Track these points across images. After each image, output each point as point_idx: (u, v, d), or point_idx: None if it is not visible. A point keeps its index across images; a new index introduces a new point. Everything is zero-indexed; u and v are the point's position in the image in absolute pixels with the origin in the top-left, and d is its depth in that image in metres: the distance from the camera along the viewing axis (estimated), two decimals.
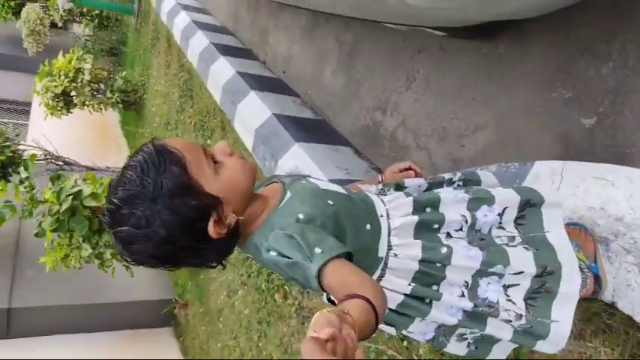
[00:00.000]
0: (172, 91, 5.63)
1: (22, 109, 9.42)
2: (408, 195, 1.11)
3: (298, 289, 2.83)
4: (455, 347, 1.17)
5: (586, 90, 1.60)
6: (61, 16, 9.12)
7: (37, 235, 3.26)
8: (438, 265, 1.04)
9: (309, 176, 1.14)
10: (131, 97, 7.03)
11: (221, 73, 3.91)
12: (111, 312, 4.90)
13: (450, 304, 1.05)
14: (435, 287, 1.05)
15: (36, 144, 5.29)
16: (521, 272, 1.06)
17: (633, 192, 1.26)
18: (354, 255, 0.87)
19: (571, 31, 1.64)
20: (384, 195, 1.14)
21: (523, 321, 1.05)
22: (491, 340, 1.16)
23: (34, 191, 3.27)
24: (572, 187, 1.35)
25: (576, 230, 1.34)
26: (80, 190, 3.21)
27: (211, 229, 0.89)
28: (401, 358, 2.06)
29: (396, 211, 1.07)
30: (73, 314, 4.78)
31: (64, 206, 3.13)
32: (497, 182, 1.28)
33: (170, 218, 0.86)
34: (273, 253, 0.90)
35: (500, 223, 1.12)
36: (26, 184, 3.29)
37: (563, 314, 1.06)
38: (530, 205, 1.12)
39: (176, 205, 0.86)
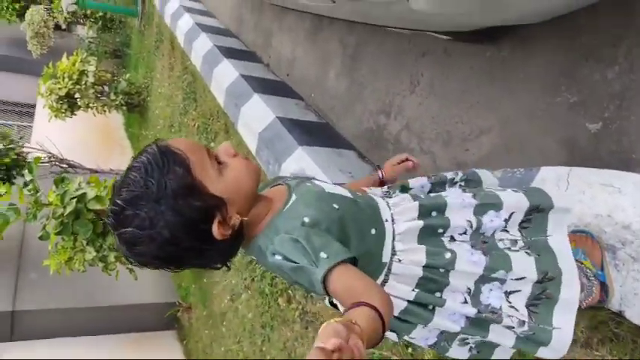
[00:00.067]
0: (176, 94, 5.63)
1: (27, 111, 9.45)
2: (414, 198, 1.10)
3: (302, 293, 2.82)
4: (457, 352, 1.16)
5: (591, 94, 1.59)
6: (65, 18, 9.12)
7: (41, 238, 3.27)
8: (442, 270, 1.04)
9: (314, 178, 1.14)
10: (135, 100, 7.04)
11: (225, 75, 3.90)
12: (114, 315, 4.91)
13: (453, 310, 1.04)
14: (438, 294, 1.05)
15: (40, 146, 5.30)
16: (523, 278, 1.06)
17: None
18: (359, 260, 0.86)
19: (576, 35, 1.62)
20: (390, 197, 1.13)
21: (525, 327, 1.04)
22: (493, 344, 1.15)
23: (38, 194, 3.28)
24: (578, 194, 1.34)
25: (583, 238, 1.33)
26: (84, 193, 3.22)
27: (215, 231, 0.89)
28: None
29: (401, 216, 1.06)
30: (77, 317, 4.78)
31: (68, 209, 3.14)
32: (497, 181, 1.27)
33: (174, 219, 0.86)
34: (278, 257, 0.89)
35: (505, 227, 1.11)
36: (30, 186, 3.31)
37: (564, 321, 1.06)
38: (538, 210, 1.11)
39: (180, 206, 0.86)
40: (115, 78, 6.97)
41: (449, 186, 1.25)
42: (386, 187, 1.23)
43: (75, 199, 3.17)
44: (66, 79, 6.08)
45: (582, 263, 1.30)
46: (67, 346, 4.57)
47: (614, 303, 1.31)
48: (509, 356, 1.20)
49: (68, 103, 6.24)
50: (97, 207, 3.19)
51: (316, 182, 1.09)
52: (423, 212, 1.07)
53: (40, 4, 9.66)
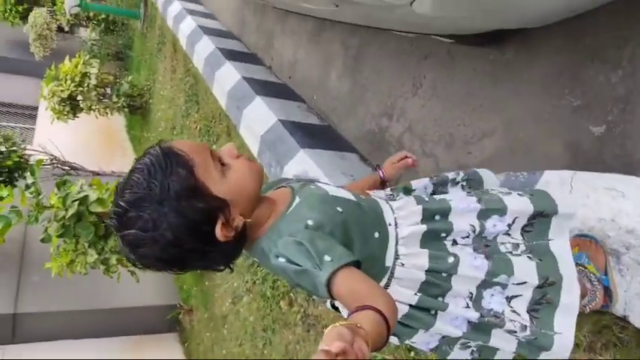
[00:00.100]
0: (178, 96, 5.63)
1: (29, 113, 9.47)
2: (418, 202, 1.10)
3: (304, 296, 2.81)
4: (458, 355, 1.16)
5: (595, 97, 1.58)
6: (68, 20, 9.16)
7: (42, 240, 3.28)
8: (444, 274, 1.03)
9: (317, 181, 1.14)
10: (137, 102, 7.04)
11: (227, 78, 3.90)
12: (116, 317, 4.91)
13: (455, 315, 1.04)
14: (440, 298, 1.04)
15: (42, 149, 5.31)
16: (524, 283, 1.05)
17: None
18: (362, 263, 0.86)
19: (579, 37, 1.62)
20: (394, 200, 1.12)
21: (528, 332, 1.04)
22: (494, 348, 1.15)
23: (40, 197, 3.28)
24: (582, 198, 1.33)
25: (587, 242, 1.33)
26: (86, 196, 3.22)
27: (219, 232, 0.89)
28: None
29: (404, 220, 1.06)
30: (79, 320, 4.78)
31: (70, 212, 3.14)
32: (498, 181, 1.27)
33: (177, 221, 0.85)
34: (281, 260, 0.89)
35: (508, 231, 1.11)
36: (32, 189, 3.31)
37: (565, 326, 1.05)
38: (542, 215, 1.11)
39: (183, 207, 0.86)
40: (118, 80, 6.98)
41: (451, 186, 1.24)
42: (389, 189, 1.22)
43: (77, 202, 3.17)
44: (68, 82, 6.09)
45: (586, 268, 1.29)
46: (68, 348, 4.57)
47: (618, 308, 1.30)
48: (512, 357, 1.19)
49: (70, 106, 6.25)
50: (99, 209, 3.19)
51: (320, 185, 1.09)
52: (427, 216, 1.07)
53: (43, 6, 9.69)
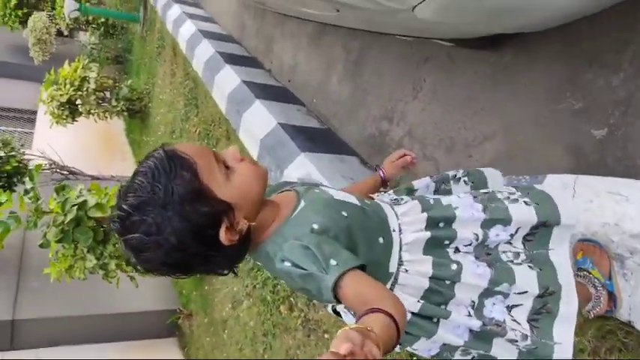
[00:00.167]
0: (177, 100, 5.63)
1: (28, 117, 9.47)
2: (423, 207, 1.09)
3: (304, 300, 2.80)
4: None
5: (596, 100, 1.58)
6: (67, 24, 9.15)
7: (41, 246, 3.26)
8: (448, 282, 1.03)
9: (321, 184, 1.13)
10: (136, 106, 7.04)
11: (226, 81, 3.90)
12: (115, 323, 4.89)
13: (457, 323, 1.03)
14: (443, 306, 1.04)
15: (41, 153, 5.30)
16: (525, 292, 1.05)
17: None
18: (367, 267, 0.86)
19: (579, 40, 1.61)
20: (398, 205, 1.12)
21: (528, 341, 1.03)
22: (495, 358, 1.14)
23: (39, 202, 3.27)
24: (585, 203, 1.32)
25: (590, 247, 1.32)
26: (85, 201, 3.21)
27: (223, 236, 0.88)
28: None
29: (408, 226, 1.06)
30: (78, 325, 4.76)
31: (69, 217, 3.13)
32: (504, 180, 1.26)
33: (181, 225, 0.85)
34: (287, 264, 0.88)
35: (510, 240, 1.11)
36: (31, 194, 3.29)
37: (564, 335, 1.05)
38: (544, 225, 1.10)
39: (187, 211, 0.85)
40: (117, 84, 6.98)
41: (453, 182, 1.25)
42: (392, 192, 1.22)
43: (76, 207, 3.16)
44: (67, 86, 6.09)
45: (590, 273, 1.28)
46: (68, 354, 4.55)
47: (622, 313, 1.29)
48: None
49: (69, 110, 6.25)
50: (98, 214, 3.17)
51: (324, 189, 1.09)
52: (431, 223, 1.06)
53: (43, 10, 9.69)
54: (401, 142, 2.46)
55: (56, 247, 3.26)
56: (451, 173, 1.25)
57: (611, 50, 1.52)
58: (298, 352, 2.84)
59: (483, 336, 1.05)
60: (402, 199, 1.15)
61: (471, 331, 1.05)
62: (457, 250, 1.07)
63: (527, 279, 1.05)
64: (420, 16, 1.36)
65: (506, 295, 1.05)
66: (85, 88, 6.18)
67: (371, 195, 1.22)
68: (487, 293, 1.05)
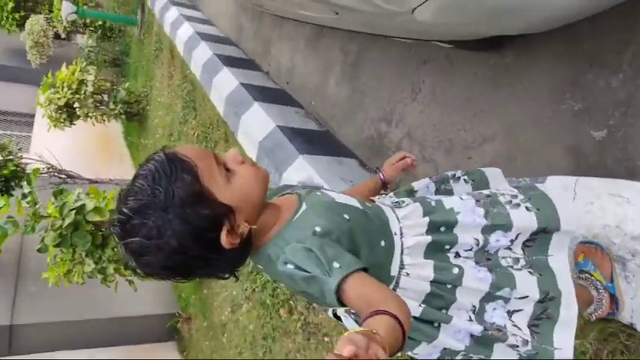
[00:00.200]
0: (175, 103, 5.62)
1: (26, 121, 9.45)
2: (424, 209, 1.08)
3: (304, 304, 2.78)
4: None
5: (596, 102, 1.57)
6: (65, 27, 9.14)
7: (39, 250, 3.25)
8: (449, 286, 1.02)
9: (322, 188, 1.12)
10: (134, 109, 7.03)
11: (224, 84, 3.89)
12: (114, 327, 4.87)
13: (458, 328, 1.03)
14: (444, 311, 1.03)
15: (39, 157, 5.28)
16: (526, 297, 1.05)
17: None
18: (368, 271, 0.85)
19: (578, 42, 1.61)
20: (399, 207, 1.11)
21: (529, 347, 1.03)
22: None
23: (36, 206, 3.25)
24: (586, 205, 1.31)
25: (592, 249, 1.31)
26: (83, 205, 3.20)
27: (224, 239, 0.87)
28: None
29: (410, 230, 1.05)
30: (76, 330, 4.74)
31: (67, 221, 3.11)
32: (504, 179, 1.26)
33: (182, 228, 0.84)
34: (290, 266, 0.88)
35: (510, 246, 1.10)
36: (29, 198, 3.28)
37: (564, 341, 1.05)
38: (544, 231, 1.10)
39: (188, 214, 0.84)
40: (115, 87, 6.97)
41: (453, 182, 1.25)
42: (393, 194, 1.21)
43: (74, 211, 3.14)
44: (65, 89, 6.07)
45: (592, 275, 1.28)
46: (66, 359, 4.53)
47: (624, 315, 1.29)
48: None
49: (67, 113, 6.23)
50: (96, 218, 3.16)
51: (326, 192, 1.09)
52: (432, 227, 1.06)
53: (40, 13, 9.68)
54: (400, 144, 2.45)
55: (54, 252, 3.24)
56: (450, 173, 1.25)
57: (612, 51, 1.52)
58: (298, 355, 2.82)
59: (484, 341, 1.04)
60: (402, 201, 1.14)
61: (471, 336, 1.04)
62: (457, 255, 1.07)
63: (527, 284, 1.05)
64: (419, 19, 1.35)
65: (507, 300, 1.05)
66: (82, 91, 6.16)
67: (372, 198, 1.22)
68: (488, 298, 1.04)
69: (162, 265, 0.87)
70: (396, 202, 1.15)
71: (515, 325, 1.04)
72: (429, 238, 1.04)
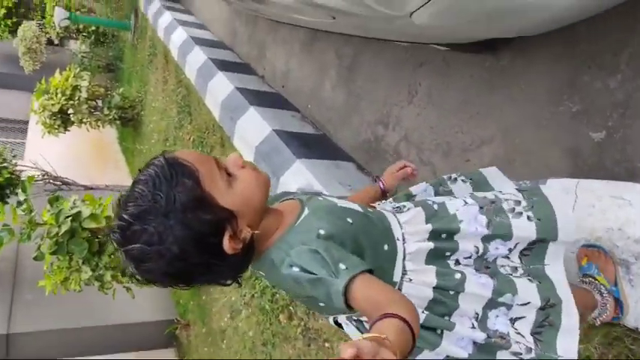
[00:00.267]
0: (170, 107, 5.60)
1: (20, 127, 9.40)
2: (427, 214, 1.08)
3: (304, 309, 2.77)
4: None
5: (594, 103, 1.57)
6: (58, 33, 9.10)
7: (35, 258, 3.22)
8: (452, 292, 1.02)
9: (322, 194, 1.12)
10: (129, 114, 7.00)
11: (219, 88, 3.88)
12: (112, 334, 4.84)
13: (461, 335, 1.02)
14: (447, 318, 1.03)
15: (33, 164, 5.25)
16: (528, 303, 1.04)
17: None
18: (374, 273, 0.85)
19: (575, 43, 1.61)
20: (401, 212, 1.11)
21: (533, 355, 1.02)
22: None
23: (32, 214, 3.23)
24: (587, 207, 1.31)
25: (595, 252, 1.31)
26: (79, 212, 3.17)
27: (226, 244, 0.86)
28: None
29: (412, 236, 1.05)
30: (74, 338, 4.71)
31: (63, 228, 3.08)
32: (504, 176, 1.25)
33: (183, 234, 0.83)
34: (295, 269, 0.87)
35: (508, 254, 1.11)
36: (24, 206, 3.26)
37: (567, 348, 1.04)
38: (542, 241, 1.10)
39: (189, 219, 0.83)
40: (109, 92, 6.94)
41: (451, 183, 1.25)
42: (393, 200, 1.21)
43: (70, 218, 3.12)
44: (59, 95, 6.05)
45: (596, 279, 1.27)
46: None
47: (629, 319, 1.28)
48: None
49: (61, 119, 6.20)
50: (93, 225, 3.13)
51: (327, 197, 1.08)
52: (433, 234, 1.06)
53: (33, 19, 9.64)
54: (397, 147, 2.44)
55: (51, 259, 3.21)
56: (446, 176, 1.26)
57: (610, 52, 1.52)
58: None
59: (487, 349, 1.04)
60: (404, 206, 1.14)
61: (474, 343, 1.03)
62: (457, 262, 1.07)
63: (528, 291, 1.05)
64: (417, 22, 1.35)
65: (509, 307, 1.05)
66: (76, 97, 6.14)
67: (372, 204, 1.21)
68: (491, 304, 1.04)
69: (163, 271, 0.86)
70: (397, 207, 1.14)
71: (519, 333, 1.04)
72: (430, 245, 1.03)
